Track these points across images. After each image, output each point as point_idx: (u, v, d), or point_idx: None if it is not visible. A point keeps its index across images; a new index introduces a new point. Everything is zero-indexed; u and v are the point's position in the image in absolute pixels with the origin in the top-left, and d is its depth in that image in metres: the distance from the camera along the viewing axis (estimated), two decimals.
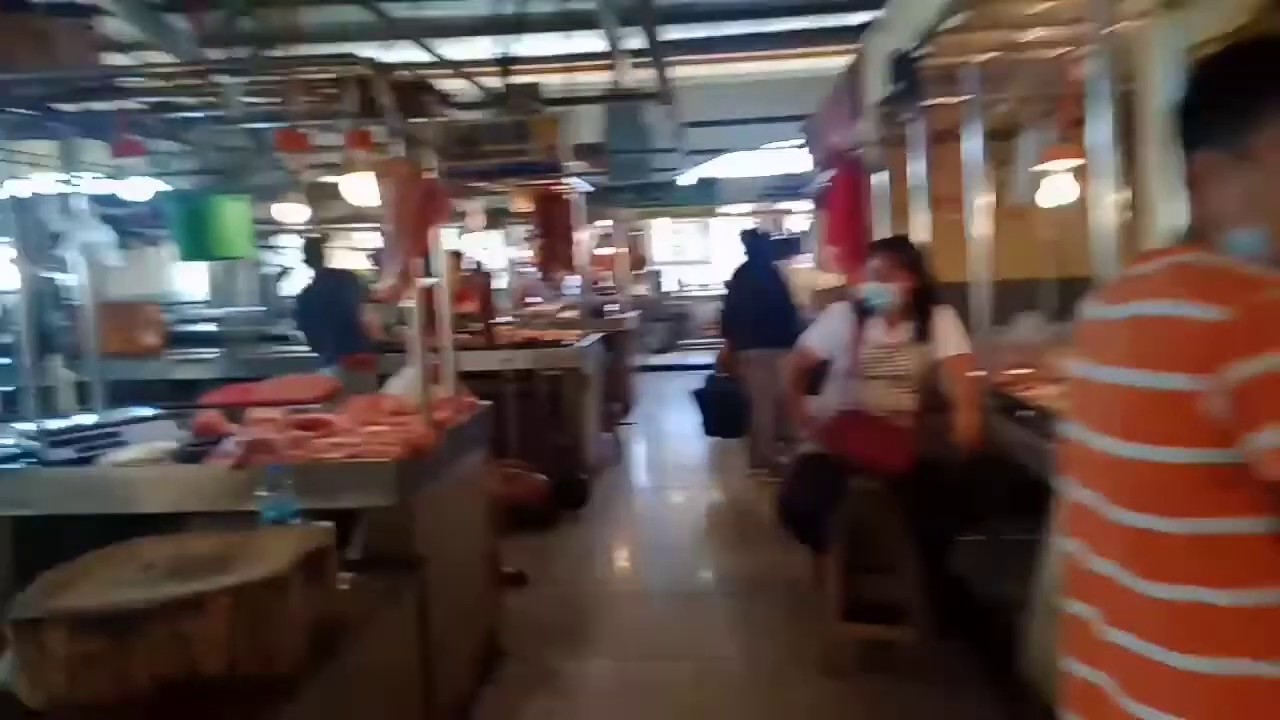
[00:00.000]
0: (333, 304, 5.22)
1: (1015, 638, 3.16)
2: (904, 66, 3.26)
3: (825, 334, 3.48)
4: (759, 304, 5.99)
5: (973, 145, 3.10)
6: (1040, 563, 2.72)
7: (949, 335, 3.26)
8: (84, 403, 3.40)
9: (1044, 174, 3.50)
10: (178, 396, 6.32)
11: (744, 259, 6.49)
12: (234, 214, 3.27)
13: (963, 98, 3.24)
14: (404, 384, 3.45)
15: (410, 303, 2.80)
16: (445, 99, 3.52)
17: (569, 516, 5.42)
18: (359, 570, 2.44)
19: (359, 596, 2.30)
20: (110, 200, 6.05)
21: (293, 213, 3.02)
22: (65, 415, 3.06)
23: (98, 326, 5.40)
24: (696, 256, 16.02)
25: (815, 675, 3.33)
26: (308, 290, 5.78)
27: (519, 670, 3.46)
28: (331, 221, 8.01)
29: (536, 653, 3.61)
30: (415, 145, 3.19)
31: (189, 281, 12.25)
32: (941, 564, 3.37)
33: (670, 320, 13.70)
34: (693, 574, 4.59)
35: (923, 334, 3.28)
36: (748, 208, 12.29)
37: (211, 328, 8.31)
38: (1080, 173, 3.20)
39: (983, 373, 3.13)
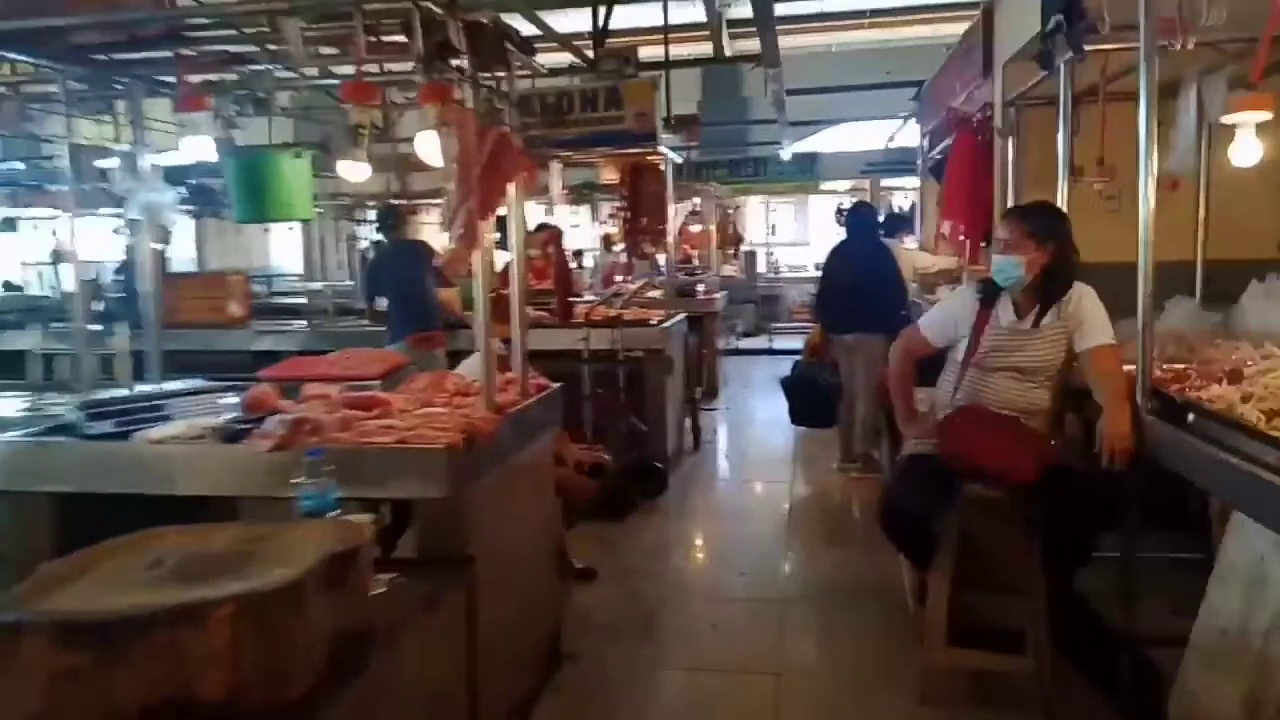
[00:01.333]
0: (403, 276, 5.02)
1: (1154, 677, 2.71)
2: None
3: (943, 318, 3.03)
4: (860, 284, 5.51)
5: (1145, 97, 2.56)
6: (1206, 594, 2.26)
7: (1093, 321, 2.77)
8: (147, 372, 3.25)
9: (1229, 130, 2.94)
10: (262, 367, 6.33)
11: (846, 235, 6.01)
12: (294, 174, 3.06)
13: (1129, 45, 2.70)
14: (475, 365, 3.18)
15: (474, 271, 2.52)
16: (529, 46, 3.21)
17: (644, 506, 5.11)
18: (404, 570, 2.18)
19: (397, 601, 2.04)
20: (197, 170, 6.04)
21: (356, 171, 2.78)
22: (116, 386, 2.90)
23: (166, 293, 5.36)
24: (791, 237, 15.44)
25: (912, 703, 2.93)
26: (378, 260, 5.59)
27: (583, 677, 3.17)
28: (418, 195, 7.91)
29: (602, 658, 3.32)
30: (493, 97, 2.91)
31: (284, 254, 12.50)
32: (1068, 585, 2.92)
33: (760, 302, 13.22)
34: (776, 576, 4.21)
35: (1060, 319, 2.81)
36: (848, 184, 11.67)
37: (303, 300, 8.36)
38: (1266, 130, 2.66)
39: (1133, 367, 2.64)
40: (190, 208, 7.65)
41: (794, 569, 4.29)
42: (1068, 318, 2.82)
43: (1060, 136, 3.61)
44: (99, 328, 5.54)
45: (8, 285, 9.36)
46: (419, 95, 2.62)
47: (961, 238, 4.83)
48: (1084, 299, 2.83)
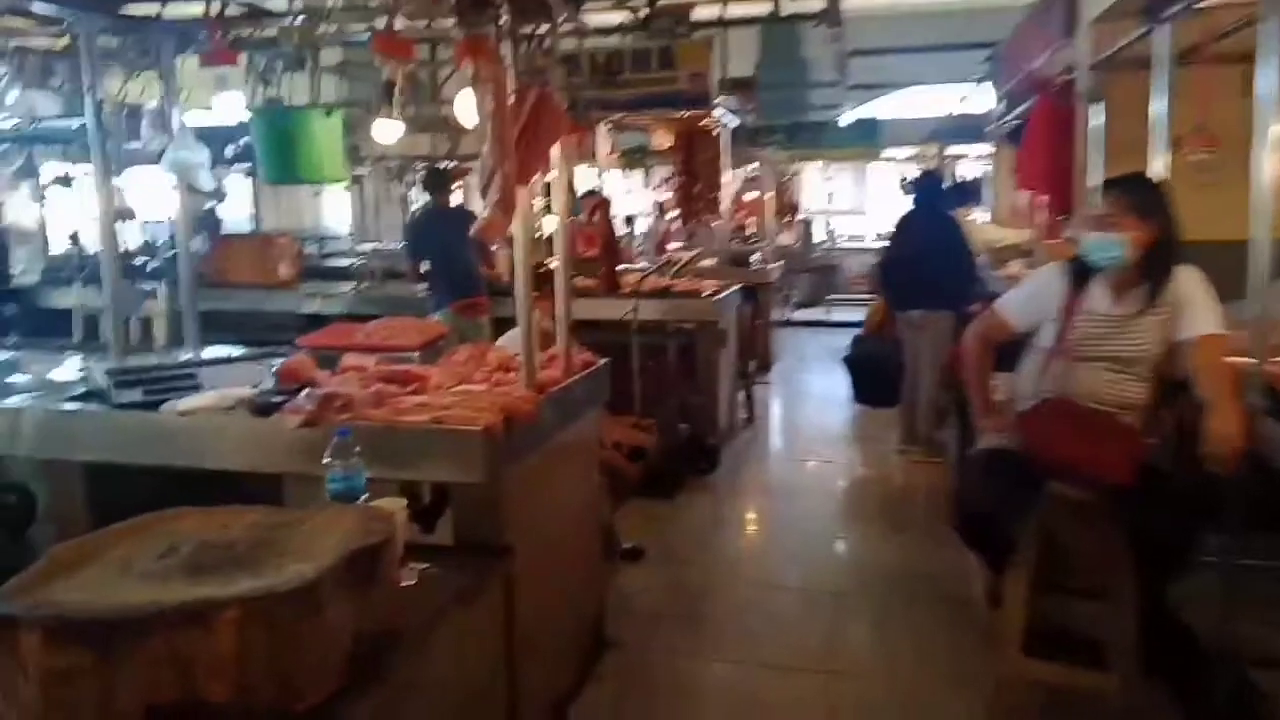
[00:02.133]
0: (446, 242, 4.89)
1: (1255, 699, 2.47)
2: None
3: (1026, 300, 2.76)
4: (927, 258, 5.20)
5: (1268, 54, 2.26)
6: None
7: (1198, 306, 2.48)
8: (195, 336, 3.14)
9: None
10: (310, 330, 6.27)
11: (912, 205, 5.70)
12: (324, 133, 2.90)
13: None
14: (518, 338, 3.03)
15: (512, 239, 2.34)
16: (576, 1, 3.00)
17: (694, 484, 4.94)
18: (437, 559, 2.04)
19: (429, 595, 1.90)
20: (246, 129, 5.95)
21: (389, 131, 2.61)
22: (150, 351, 2.81)
23: (217, 253, 5.29)
24: (850, 205, 14.98)
25: (979, 715, 2.72)
26: (420, 222, 5.47)
27: (626, 666, 3.04)
28: (468, 157, 7.74)
29: (647, 646, 3.17)
30: (535, 54, 2.71)
31: (338, 216, 12.48)
32: (1160, 595, 2.67)
33: (817, 272, 12.84)
34: (831, 564, 4.01)
35: (1161, 303, 2.53)
36: (911, 151, 11.18)
37: (355, 262, 8.31)
38: None
39: (1250, 360, 2.37)
40: (246, 166, 7.59)
41: (851, 557, 4.08)
42: (1169, 303, 2.53)
43: (1158, 103, 3.29)
44: (151, 287, 5.55)
45: (74, 240, 9.49)
46: (455, 51, 2.43)
47: (1039, 210, 4.50)
48: (1188, 282, 2.54)
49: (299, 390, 2.48)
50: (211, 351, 2.87)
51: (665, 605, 3.53)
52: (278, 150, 2.91)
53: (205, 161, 2.91)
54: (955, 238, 5.32)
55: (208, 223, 9.54)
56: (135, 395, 2.38)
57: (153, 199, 8.80)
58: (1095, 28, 3.93)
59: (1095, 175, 4.09)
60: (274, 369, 2.68)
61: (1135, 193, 2.56)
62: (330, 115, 2.95)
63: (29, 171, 6.97)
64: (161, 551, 1.59)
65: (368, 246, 8.10)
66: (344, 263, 8.66)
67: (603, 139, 5.56)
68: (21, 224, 8.30)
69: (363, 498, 1.96)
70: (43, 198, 8.52)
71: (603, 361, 3.05)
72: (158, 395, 2.39)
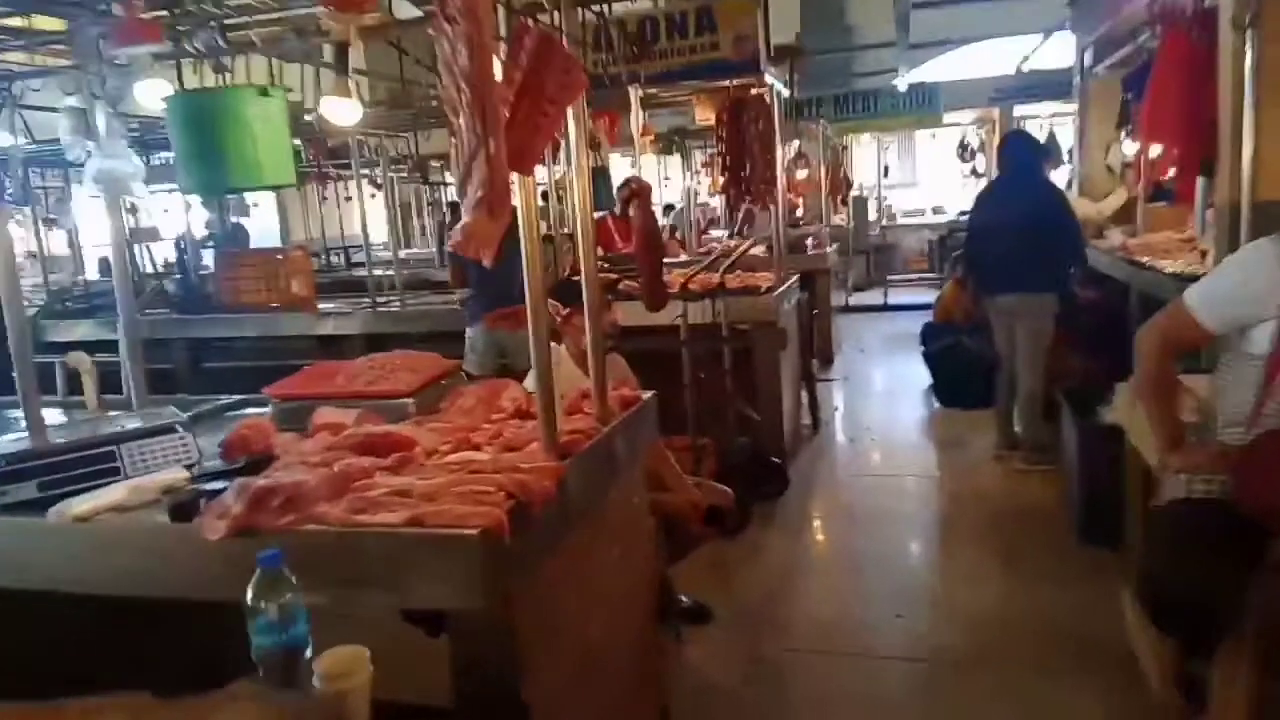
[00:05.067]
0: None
1: None
2: None
3: (1232, 290, 2.00)
4: (1024, 231, 4.40)
5: None
6: None
7: None
8: (138, 394, 2.54)
9: None
10: (328, 353, 5.70)
11: (1002, 172, 4.93)
12: (262, 120, 2.20)
13: None
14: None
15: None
16: None
17: (762, 511, 4.23)
18: None
19: None
20: None
21: (342, 111, 1.97)
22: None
23: (224, 274, 4.71)
24: (900, 178, 14.08)
25: None
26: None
27: None
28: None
29: None
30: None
31: (371, 223, 11.95)
32: None
33: (873, 253, 12.00)
34: (940, 618, 3.27)
35: None
36: (973, 115, 10.26)
37: (379, 273, 7.75)
38: None
39: None
40: None
41: (964, 606, 3.32)
42: None
43: None
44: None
45: (105, 265, 9.16)
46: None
47: (1175, 166, 3.71)
48: None
49: (247, 469, 1.87)
50: (162, 413, 2.25)
51: (741, 687, 2.85)
52: (197, 149, 2.23)
53: (138, 172, 2.30)
54: (1057, 205, 4.52)
55: (233, 238, 9.11)
56: (28, 490, 1.77)
57: (179, 215, 8.39)
58: None
59: (1236, 123, 3.33)
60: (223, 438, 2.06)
61: None
62: (268, 95, 2.25)
63: (24, 198, 6.50)
64: None
65: (387, 255, 7.52)
66: (362, 274, 8.12)
67: (636, 117, 4.88)
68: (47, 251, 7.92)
69: (306, 653, 1.33)
70: (47, 222, 8.16)
71: (649, 395, 2.37)
72: (61, 488, 1.78)
